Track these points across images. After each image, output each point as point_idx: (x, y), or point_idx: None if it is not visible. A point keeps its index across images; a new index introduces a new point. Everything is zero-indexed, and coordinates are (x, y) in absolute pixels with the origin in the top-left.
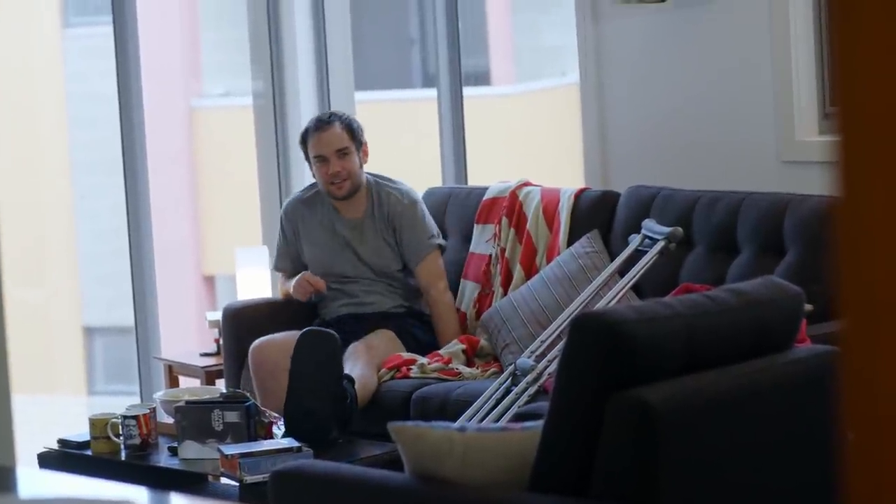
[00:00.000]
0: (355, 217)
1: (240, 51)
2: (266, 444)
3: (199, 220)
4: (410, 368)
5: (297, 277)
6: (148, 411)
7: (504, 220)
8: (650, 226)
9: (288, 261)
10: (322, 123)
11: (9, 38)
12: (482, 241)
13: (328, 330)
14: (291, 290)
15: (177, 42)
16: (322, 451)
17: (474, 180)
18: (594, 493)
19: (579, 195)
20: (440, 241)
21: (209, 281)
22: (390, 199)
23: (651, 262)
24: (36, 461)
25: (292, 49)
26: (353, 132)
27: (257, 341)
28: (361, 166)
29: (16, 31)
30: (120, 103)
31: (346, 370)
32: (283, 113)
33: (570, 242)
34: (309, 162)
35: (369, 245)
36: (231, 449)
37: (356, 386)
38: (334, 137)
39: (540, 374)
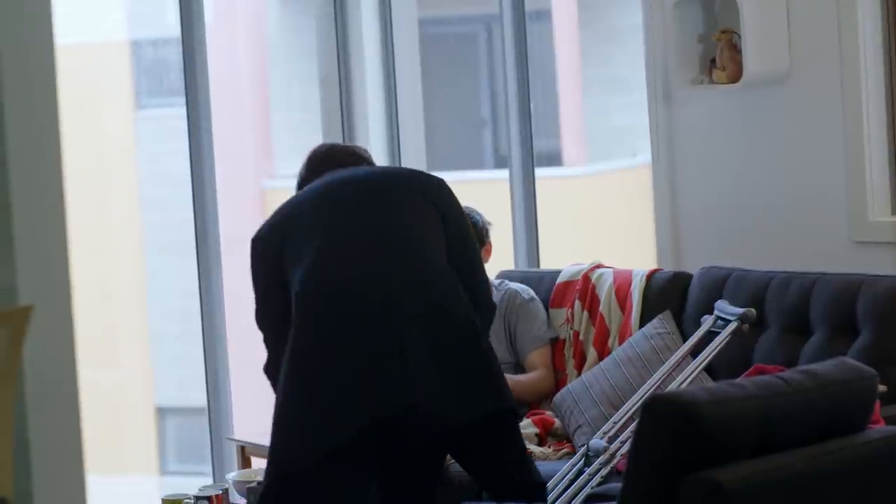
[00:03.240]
0: None
1: (312, 133)
2: None
3: None
4: None
5: None
6: (220, 492)
7: (577, 303)
8: (723, 307)
9: None
10: None
11: (82, 121)
12: (556, 326)
13: None
14: None
15: (249, 124)
16: None
17: (546, 261)
18: None
19: (651, 276)
20: (552, 335)
21: None
22: (508, 294)
23: (724, 343)
24: None
25: (364, 131)
26: (476, 231)
27: None
28: None
29: (89, 113)
30: (193, 184)
31: None
32: None
33: (642, 324)
34: None
35: None
36: None
37: None
38: None
39: (613, 456)
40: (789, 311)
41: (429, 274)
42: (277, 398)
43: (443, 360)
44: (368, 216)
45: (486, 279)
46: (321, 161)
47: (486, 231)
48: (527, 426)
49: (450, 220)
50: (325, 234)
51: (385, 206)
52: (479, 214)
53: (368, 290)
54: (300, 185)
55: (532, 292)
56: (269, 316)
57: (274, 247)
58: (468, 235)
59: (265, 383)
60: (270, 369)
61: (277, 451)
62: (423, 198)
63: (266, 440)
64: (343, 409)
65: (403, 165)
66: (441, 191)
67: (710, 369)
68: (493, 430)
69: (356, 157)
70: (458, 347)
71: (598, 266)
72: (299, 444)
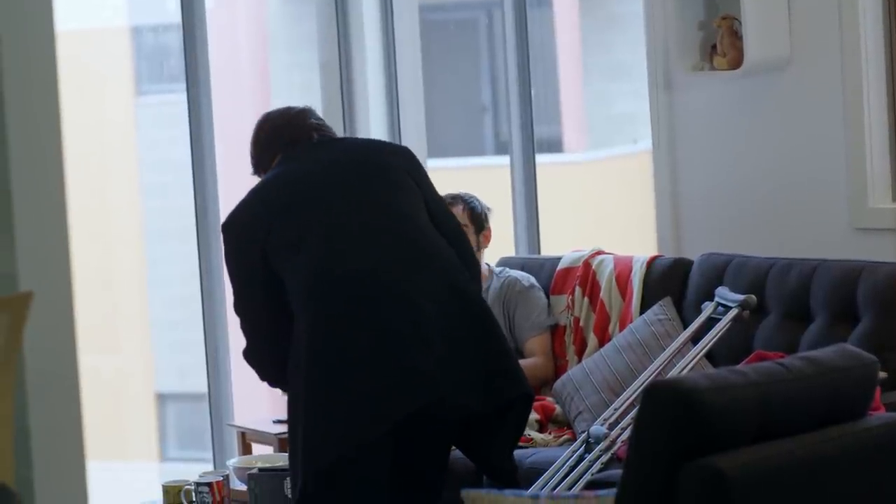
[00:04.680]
0: None
1: None
2: None
3: None
4: None
5: None
6: (221, 478)
7: (577, 289)
8: (723, 293)
9: None
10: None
11: (82, 107)
12: (556, 313)
13: None
14: None
15: (249, 110)
16: None
17: (547, 248)
18: None
19: (652, 263)
20: (552, 322)
21: None
22: (508, 281)
23: (724, 329)
24: None
25: (365, 117)
26: (475, 216)
27: None
28: (479, 249)
29: (89, 100)
30: (193, 171)
31: None
32: None
33: (642, 310)
34: None
35: None
36: None
37: None
38: None
39: (613, 442)
40: (790, 298)
41: (438, 258)
42: (300, 393)
43: (462, 344)
44: (364, 200)
45: (474, 254)
46: (273, 132)
47: (486, 217)
48: None
49: (430, 200)
50: (323, 221)
51: (378, 189)
52: (477, 200)
53: (383, 279)
54: (256, 154)
55: (532, 279)
56: (250, 303)
57: (259, 232)
58: (449, 211)
59: None
60: (251, 356)
61: (310, 448)
62: (408, 176)
63: (267, 427)
64: (376, 403)
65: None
66: (418, 167)
67: (711, 356)
68: (505, 416)
69: (306, 130)
70: (475, 330)
71: (599, 252)
72: (332, 439)
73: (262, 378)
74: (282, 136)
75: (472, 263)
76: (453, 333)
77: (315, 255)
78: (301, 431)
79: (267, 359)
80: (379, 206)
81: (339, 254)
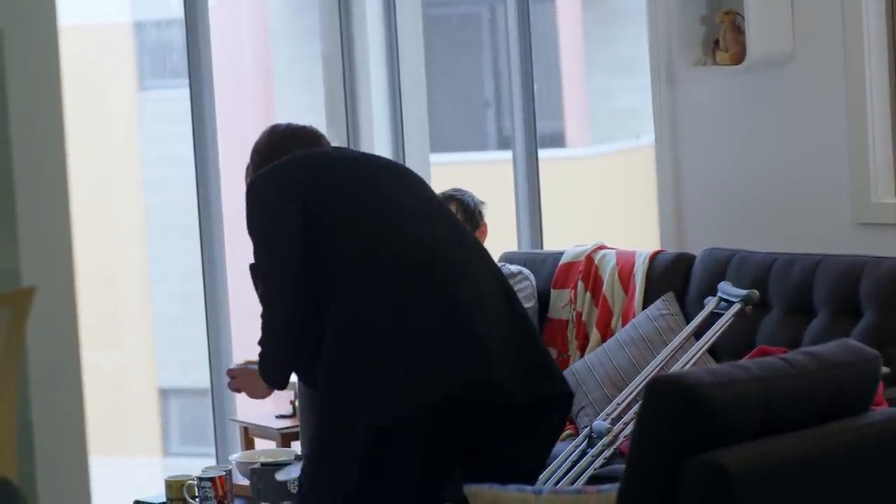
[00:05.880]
0: None
1: (315, 114)
2: None
3: None
4: None
5: None
6: (224, 473)
7: (580, 284)
8: (726, 288)
9: None
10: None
11: (85, 102)
12: (559, 307)
13: None
14: None
15: (252, 105)
16: None
17: (549, 243)
18: None
19: (654, 258)
20: (534, 308)
21: None
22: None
23: (727, 324)
24: None
25: (368, 112)
26: (469, 213)
27: None
28: None
29: (92, 95)
30: (196, 167)
31: None
32: None
33: (645, 305)
34: None
35: None
36: None
37: None
38: None
39: (616, 437)
40: (792, 293)
41: (475, 244)
42: (357, 358)
43: (509, 334)
44: (398, 184)
45: None
46: (284, 138)
47: (480, 214)
48: None
49: None
50: (366, 197)
51: (407, 179)
52: (470, 196)
53: (442, 255)
54: (260, 161)
55: (524, 270)
56: (280, 257)
57: (298, 197)
58: None
59: None
60: (268, 324)
61: (378, 404)
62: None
63: (269, 422)
64: (450, 362)
65: (405, 147)
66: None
67: (714, 351)
68: (543, 416)
69: (318, 139)
70: (518, 324)
71: (602, 247)
72: (407, 395)
73: (270, 351)
74: (297, 138)
75: None
76: (502, 323)
77: (366, 234)
78: (367, 389)
79: (283, 332)
80: (416, 191)
81: (393, 228)
